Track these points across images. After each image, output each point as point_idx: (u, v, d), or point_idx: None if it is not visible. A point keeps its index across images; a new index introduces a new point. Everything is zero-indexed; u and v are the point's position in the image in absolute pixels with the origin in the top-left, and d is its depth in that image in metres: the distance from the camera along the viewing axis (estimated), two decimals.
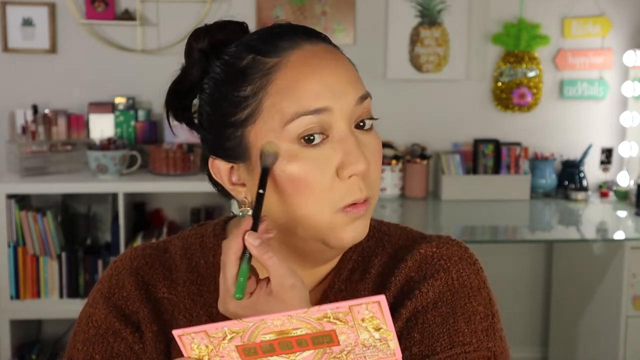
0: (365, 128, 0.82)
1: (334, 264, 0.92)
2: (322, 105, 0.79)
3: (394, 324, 0.82)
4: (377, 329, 0.63)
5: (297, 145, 0.79)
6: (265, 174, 0.78)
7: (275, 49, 0.81)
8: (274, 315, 0.63)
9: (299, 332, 0.63)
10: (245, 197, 0.85)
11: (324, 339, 0.64)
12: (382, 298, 0.61)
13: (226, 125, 0.83)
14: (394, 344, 0.64)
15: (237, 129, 0.82)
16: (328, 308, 0.62)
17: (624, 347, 2.81)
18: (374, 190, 0.83)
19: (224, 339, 0.65)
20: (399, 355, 0.65)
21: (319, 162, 0.79)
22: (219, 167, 0.86)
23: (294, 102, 0.79)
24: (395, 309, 0.86)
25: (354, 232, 0.82)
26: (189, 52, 0.89)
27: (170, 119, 0.91)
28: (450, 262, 0.88)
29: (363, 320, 0.63)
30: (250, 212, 0.85)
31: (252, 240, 0.73)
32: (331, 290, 0.90)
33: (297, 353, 0.65)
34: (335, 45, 0.86)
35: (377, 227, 0.95)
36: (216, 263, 0.92)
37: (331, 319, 0.62)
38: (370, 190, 0.82)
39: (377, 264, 0.91)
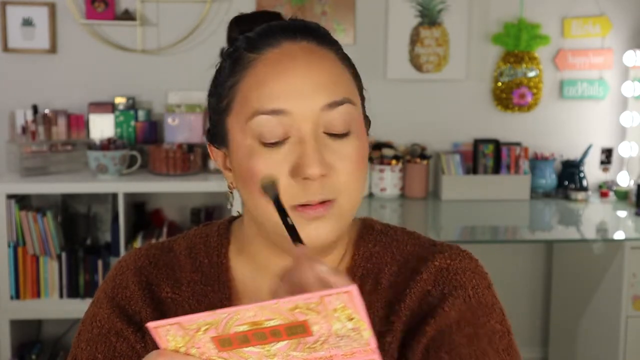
0: (338, 134, 0.81)
1: (332, 264, 0.91)
2: (279, 107, 0.80)
3: (419, 342, 0.83)
4: (350, 319, 0.63)
5: (257, 143, 0.81)
6: (278, 204, 0.78)
7: (259, 45, 0.83)
8: (246, 306, 0.62)
9: (272, 323, 0.63)
10: (231, 182, 0.89)
11: (298, 330, 0.64)
12: (353, 288, 0.61)
13: (214, 113, 0.88)
14: (367, 333, 0.64)
15: (220, 117, 0.86)
16: (299, 299, 0.62)
17: (624, 347, 2.81)
18: (342, 194, 0.82)
19: (198, 331, 0.65)
20: (374, 344, 0.65)
21: (275, 161, 0.80)
22: (216, 152, 0.91)
23: (256, 100, 0.80)
24: (415, 323, 0.86)
25: (313, 232, 0.81)
26: (228, 39, 0.91)
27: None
28: (465, 276, 0.89)
29: (335, 310, 0.62)
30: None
31: (326, 269, 0.70)
32: None
33: (272, 343, 0.65)
34: (331, 43, 0.85)
35: (384, 232, 0.95)
36: (220, 262, 0.94)
37: (303, 310, 0.62)
38: (333, 193, 0.81)
39: (388, 273, 0.91)
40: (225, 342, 0.65)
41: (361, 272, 0.91)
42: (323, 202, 0.81)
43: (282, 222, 0.76)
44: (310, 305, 0.62)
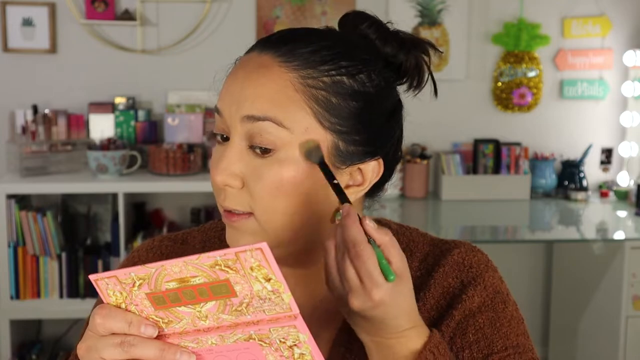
0: (259, 152, 0.80)
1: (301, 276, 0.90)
2: (217, 106, 0.83)
3: (448, 325, 0.87)
4: (267, 280, 0.66)
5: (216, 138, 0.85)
6: (323, 166, 0.79)
7: (247, 51, 0.86)
8: (171, 261, 0.66)
9: (197, 281, 0.66)
10: None
11: (222, 289, 0.67)
12: (264, 245, 0.64)
13: None
14: (287, 296, 0.66)
15: None
16: (217, 255, 0.65)
17: (624, 347, 2.81)
18: (257, 212, 0.81)
19: (133, 286, 0.68)
20: (296, 309, 0.67)
21: (215, 159, 0.84)
22: None
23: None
24: (439, 311, 0.90)
25: (231, 239, 0.84)
26: None
27: None
28: (480, 268, 0.92)
29: (252, 269, 0.65)
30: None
31: (372, 224, 0.73)
32: None
33: (202, 304, 0.68)
34: (302, 67, 0.81)
35: (401, 232, 0.96)
36: None
37: (222, 267, 0.65)
38: (246, 207, 0.81)
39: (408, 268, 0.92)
40: (159, 300, 0.68)
41: None
42: (239, 213, 0.82)
43: (329, 183, 0.78)
44: (228, 262, 0.65)
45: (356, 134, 0.83)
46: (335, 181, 0.78)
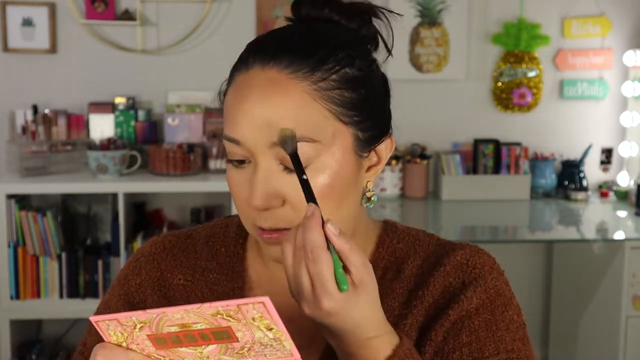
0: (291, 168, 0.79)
1: None
2: (234, 137, 0.80)
3: (442, 325, 0.86)
4: (269, 329, 0.66)
5: (230, 159, 0.83)
6: (295, 158, 0.76)
7: (239, 65, 0.83)
8: (173, 308, 0.66)
9: (199, 327, 0.67)
10: None
11: (223, 335, 0.67)
12: (266, 299, 0.64)
13: None
14: (289, 344, 0.67)
15: None
16: (219, 305, 0.65)
17: (624, 347, 2.81)
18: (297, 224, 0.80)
19: (135, 328, 0.69)
20: (297, 355, 0.68)
21: (239, 182, 0.82)
22: None
23: (225, 123, 0.82)
24: (437, 310, 0.88)
25: (273, 254, 0.83)
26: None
27: None
28: (484, 270, 0.91)
29: (254, 319, 0.65)
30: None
31: (334, 230, 0.72)
32: None
33: (203, 346, 0.68)
34: (312, 70, 0.80)
35: (407, 232, 0.96)
36: (236, 252, 0.96)
37: (224, 316, 0.66)
38: (286, 223, 0.81)
39: (411, 265, 0.92)
40: (160, 341, 0.69)
41: (384, 263, 0.92)
42: (278, 231, 0.81)
43: (298, 178, 0.75)
44: (229, 312, 0.65)
45: (369, 120, 0.85)
46: (304, 177, 0.75)
